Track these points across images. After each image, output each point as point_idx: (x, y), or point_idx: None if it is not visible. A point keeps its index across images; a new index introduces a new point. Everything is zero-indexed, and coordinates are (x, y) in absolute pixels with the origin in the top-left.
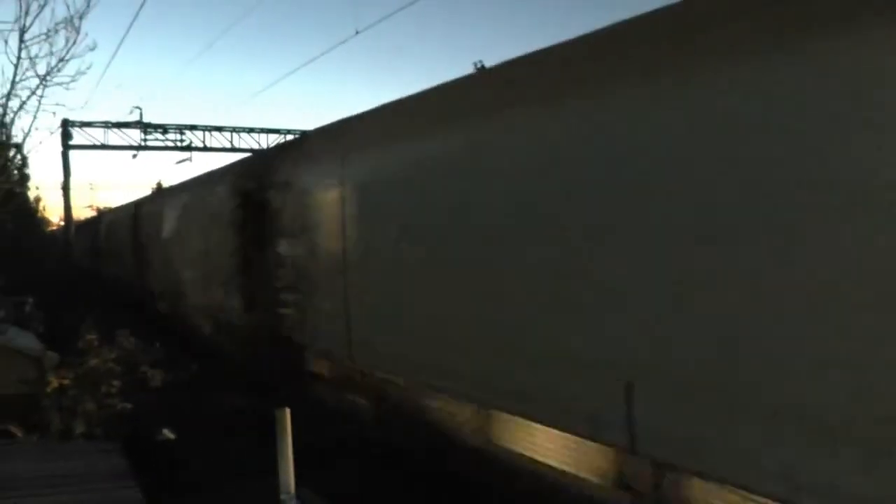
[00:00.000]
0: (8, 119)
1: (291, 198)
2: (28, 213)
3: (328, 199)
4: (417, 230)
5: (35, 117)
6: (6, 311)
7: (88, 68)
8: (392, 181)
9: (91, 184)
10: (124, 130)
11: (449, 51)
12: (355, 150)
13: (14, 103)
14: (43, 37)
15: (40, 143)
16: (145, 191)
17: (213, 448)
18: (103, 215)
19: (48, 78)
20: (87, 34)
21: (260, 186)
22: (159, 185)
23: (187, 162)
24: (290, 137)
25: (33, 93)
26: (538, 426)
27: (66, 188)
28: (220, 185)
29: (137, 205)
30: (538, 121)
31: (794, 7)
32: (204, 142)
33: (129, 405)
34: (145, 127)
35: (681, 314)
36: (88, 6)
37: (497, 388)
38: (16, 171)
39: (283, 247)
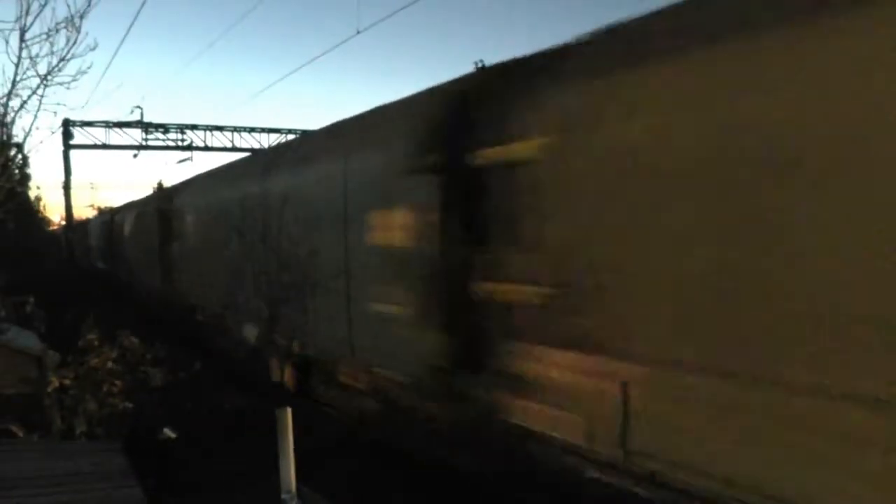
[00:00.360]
0: (9, 119)
1: (176, 215)
2: (29, 212)
3: (188, 219)
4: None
5: (36, 117)
6: (7, 311)
7: (89, 68)
8: (198, 209)
9: (92, 183)
10: (125, 130)
11: (449, 50)
12: (184, 195)
13: (15, 103)
14: (44, 36)
15: (41, 142)
16: (146, 190)
17: (214, 448)
18: (90, 220)
19: (49, 77)
20: (87, 33)
21: (167, 208)
22: (160, 184)
23: (188, 161)
24: (290, 137)
25: (34, 92)
26: None
27: (66, 187)
28: (151, 205)
29: (112, 213)
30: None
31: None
32: (205, 141)
33: (130, 405)
34: (146, 126)
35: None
36: (89, 5)
37: None
38: (17, 171)
39: (176, 244)
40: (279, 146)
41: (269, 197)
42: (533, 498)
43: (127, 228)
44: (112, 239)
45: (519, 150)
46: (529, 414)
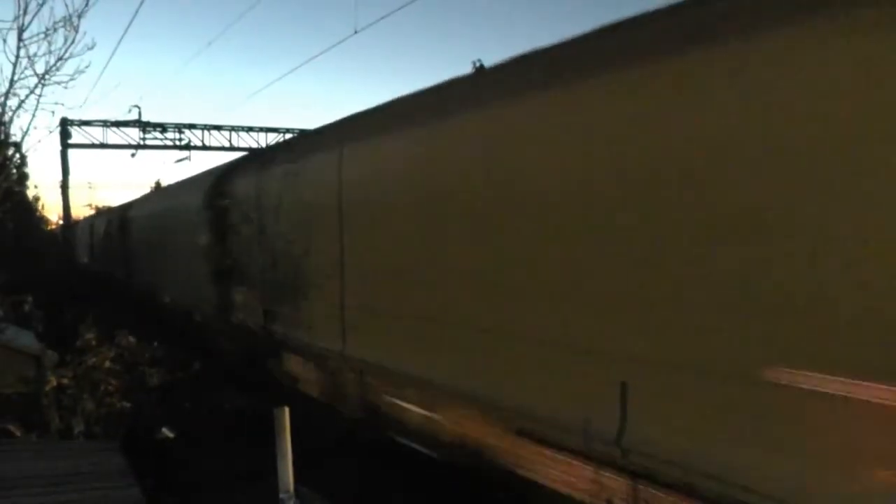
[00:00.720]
0: (6, 118)
1: (134, 222)
2: (28, 211)
3: (138, 225)
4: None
5: (34, 116)
6: (5, 310)
7: (87, 67)
8: (141, 219)
9: (90, 183)
10: (123, 129)
11: (448, 50)
12: (133, 210)
13: (13, 102)
14: (42, 35)
15: (39, 141)
16: (144, 190)
17: (213, 448)
18: (79, 222)
19: (47, 77)
20: (85, 33)
21: (126, 216)
22: (158, 184)
23: (186, 161)
24: (288, 136)
25: (32, 91)
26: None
27: (64, 187)
28: (118, 213)
29: (93, 217)
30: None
31: None
32: (203, 140)
33: (127, 404)
34: (144, 126)
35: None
36: (87, 5)
37: None
38: (14, 170)
39: (135, 243)
40: (167, 187)
41: (163, 215)
42: (531, 497)
43: (102, 230)
44: (93, 239)
45: (227, 202)
46: (284, 327)
